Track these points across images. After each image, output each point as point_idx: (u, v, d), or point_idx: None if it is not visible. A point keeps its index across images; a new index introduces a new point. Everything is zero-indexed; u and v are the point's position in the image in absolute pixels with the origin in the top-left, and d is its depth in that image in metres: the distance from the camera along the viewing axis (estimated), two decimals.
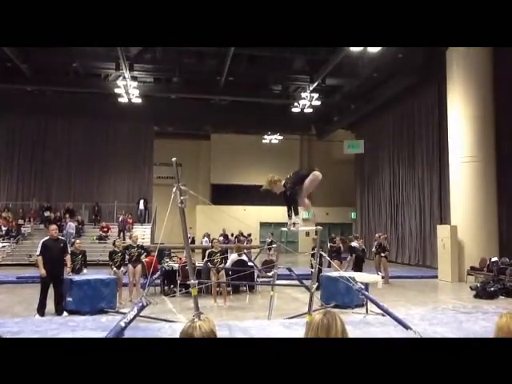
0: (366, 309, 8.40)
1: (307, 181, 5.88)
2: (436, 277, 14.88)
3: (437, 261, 15.41)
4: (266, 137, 26.66)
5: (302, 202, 6.10)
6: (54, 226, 9.12)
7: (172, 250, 14.57)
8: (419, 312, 8.66)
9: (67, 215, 21.64)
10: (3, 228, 20.89)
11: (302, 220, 5.98)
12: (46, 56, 18.22)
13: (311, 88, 19.10)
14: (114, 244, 10.97)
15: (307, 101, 19.42)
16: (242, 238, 22.47)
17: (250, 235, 23.20)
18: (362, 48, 14.29)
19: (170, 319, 7.92)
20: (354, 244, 13.76)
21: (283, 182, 5.98)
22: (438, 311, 8.84)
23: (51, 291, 8.40)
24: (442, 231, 15.10)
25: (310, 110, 20.37)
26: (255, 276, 11.56)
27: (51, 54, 18.09)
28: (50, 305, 8.39)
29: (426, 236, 18.84)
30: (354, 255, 13.38)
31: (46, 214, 21.95)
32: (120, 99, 19.29)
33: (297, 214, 5.93)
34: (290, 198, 5.96)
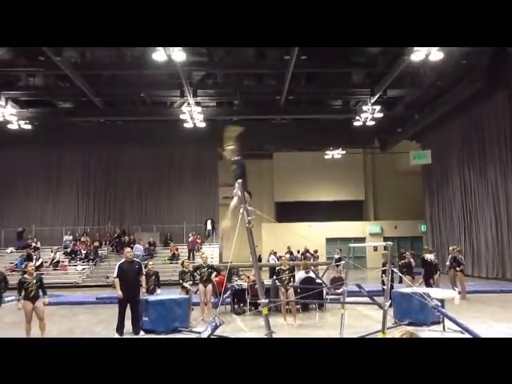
0: (443, 326, 8.05)
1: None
2: None
3: None
4: (328, 152, 26.49)
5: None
6: (128, 249, 9.58)
7: (240, 269, 14.77)
8: (502, 329, 8.15)
9: (131, 237, 22.69)
10: (83, 251, 22.21)
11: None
12: (115, 88, 19.45)
13: (372, 100, 18.85)
14: (182, 264, 11.32)
15: (369, 114, 19.17)
16: (308, 254, 22.28)
17: (316, 252, 22.96)
18: (422, 57, 13.96)
19: (241, 338, 8.01)
20: (427, 257, 13.20)
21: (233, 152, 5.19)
22: None
23: (128, 311, 8.79)
24: None
25: (373, 123, 20.08)
26: (324, 293, 11.44)
27: (120, 86, 19.29)
28: (128, 324, 8.77)
29: (504, 247, 17.75)
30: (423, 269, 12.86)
31: (123, 239, 22.99)
32: (185, 125, 20.07)
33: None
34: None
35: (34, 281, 8.17)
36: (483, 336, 6.13)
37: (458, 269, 13.23)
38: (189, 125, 19.99)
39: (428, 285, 12.39)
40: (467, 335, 6.37)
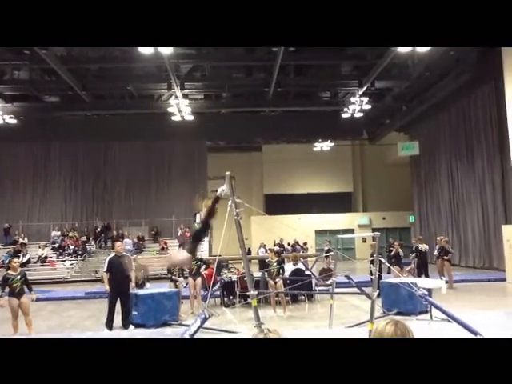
0: (431, 315, 8.14)
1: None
2: (504, 279, 14.15)
3: (504, 263, 14.68)
4: (316, 144, 26.54)
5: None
6: (119, 243, 9.54)
7: (229, 262, 14.78)
8: (488, 317, 8.27)
9: (119, 231, 22.64)
10: (71, 247, 22.06)
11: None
12: (102, 82, 19.25)
13: (360, 92, 18.90)
14: None
15: (357, 105, 19.21)
16: (297, 246, 22.39)
17: (305, 244, 23.08)
18: (410, 48, 14.02)
19: (231, 330, 8.04)
20: (422, 247, 13.37)
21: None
22: (509, 316, 8.42)
23: (118, 306, 8.75)
24: (508, 231, 14.38)
25: (361, 115, 20.13)
26: (313, 285, 11.50)
27: (107, 80, 19.10)
28: (117, 319, 8.74)
29: (491, 237, 17.98)
30: (416, 258, 13.04)
31: (108, 233, 22.96)
32: (173, 118, 19.96)
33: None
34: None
35: (19, 277, 8.08)
36: (469, 324, 6.21)
37: (445, 258, 13.39)
38: (177, 118, 19.88)
39: (420, 274, 12.55)
40: (454, 323, 6.46)
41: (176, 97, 19.00)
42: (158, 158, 24.95)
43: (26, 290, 8.22)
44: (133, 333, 8.26)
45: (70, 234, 22.93)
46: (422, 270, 12.85)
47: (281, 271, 10.46)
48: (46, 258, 21.13)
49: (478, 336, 5.79)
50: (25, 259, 19.59)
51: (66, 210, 24.71)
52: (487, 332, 6.23)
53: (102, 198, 24.80)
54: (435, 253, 14.03)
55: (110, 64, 17.74)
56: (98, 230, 23.25)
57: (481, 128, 18.44)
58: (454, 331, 6.50)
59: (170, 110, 19.46)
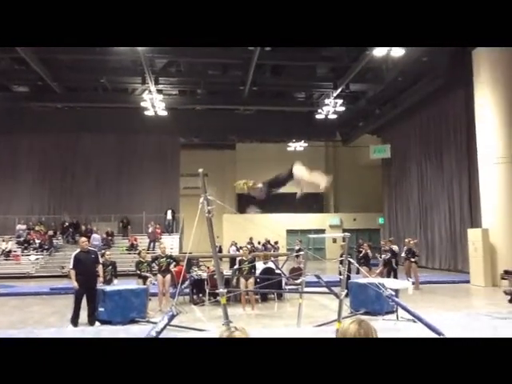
0: (397, 315, 8.28)
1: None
2: (468, 281, 14.54)
3: (468, 265, 15.08)
4: (290, 144, 26.65)
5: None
6: (83, 239, 9.32)
7: (200, 259, 14.68)
8: (452, 318, 8.48)
9: (88, 226, 22.17)
10: (37, 241, 21.48)
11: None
12: (75, 73, 18.81)
13: (335, 94, 19.07)
14: (139, 254, 11.17)
15: (331, 107, 19.39)
16: (268, 246, 22.45)
17: (276, 243, 23.17)
18: (385, 53, 14.24)
19: (199, 328, 7.98)
20: (395, 248, 13.60)
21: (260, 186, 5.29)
22: (471, 317, 8.64)
23: (84, 302, 8.56)
24: (473, 235, 14.78)
25: (335, 117, 20.33)
26: (283, 284, 11.54)
27: (80, 71, 18.68)
28: (83, 315, 8.56)
29: (457, 240, 18.46)
30: (393, 260, 13.28)
31: (76, 228, 22.50)
32: (146, 112, 19.68)
33: None
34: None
35: None
36: (433, 324, 6.34)
37: (412, 260, 13.67)
38: (150, 113, 19.62)
39: (389, 275, 12.76)
40: (419, 324, 6.58)
41: (150, 91, 18.75)
42: (130, 153, 24.53)
43: None
44: (99, 329, 8.10)
45: (36, 228, 22.33)
46: (391, 272, 13.08)
47: (252, 270, 10.46)
48: (9, 252, 20.52)
49: (442, 336, 5.91)
50: None
51: (33, 203, 24.03)
52: (451, 332, 6.37)
53: (71, 192, 24.24)
54: (403, 254, 14.31)
55: (84, 56, 17.34)
56: (66, 224, 22.72)
57: (450, 133, 18.89)
58: (419, 331, 6.62)
59: (143, 104, 19.20)
